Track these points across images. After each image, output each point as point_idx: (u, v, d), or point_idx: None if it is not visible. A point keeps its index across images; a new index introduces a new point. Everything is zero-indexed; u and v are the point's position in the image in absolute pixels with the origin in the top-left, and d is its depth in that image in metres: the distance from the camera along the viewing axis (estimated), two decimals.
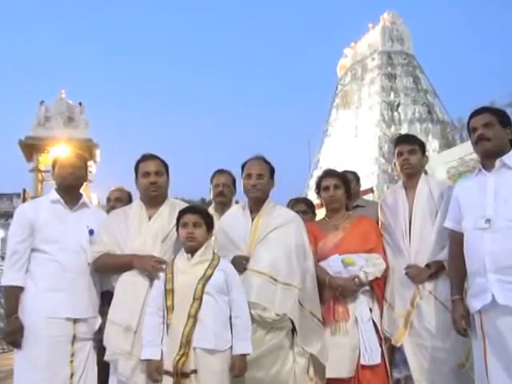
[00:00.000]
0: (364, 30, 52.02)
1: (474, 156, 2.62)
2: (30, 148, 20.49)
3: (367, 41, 50.68)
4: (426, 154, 3.10)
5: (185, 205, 2.81)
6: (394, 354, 2.92)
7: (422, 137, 3.33)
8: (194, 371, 2.32)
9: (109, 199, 3.69)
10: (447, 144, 37.09)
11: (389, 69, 47.52)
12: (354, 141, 45.28)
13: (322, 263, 2.98)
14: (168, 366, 2.33)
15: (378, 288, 2.96)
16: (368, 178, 35.87)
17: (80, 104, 22.55)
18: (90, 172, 18.77)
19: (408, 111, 44.25)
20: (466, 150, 17.49)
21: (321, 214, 3.43)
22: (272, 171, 2.98)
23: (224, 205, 3.54)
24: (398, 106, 45.37)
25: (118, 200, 3.73)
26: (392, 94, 46.07)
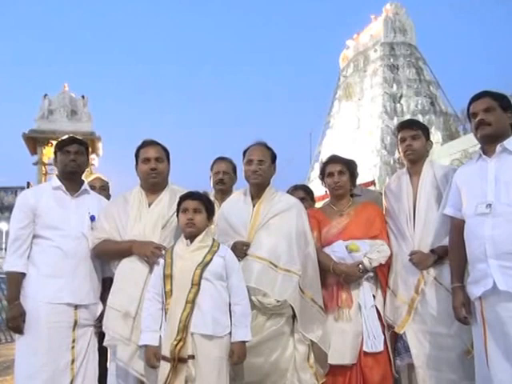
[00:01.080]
0: (367, 22, 51.73)
1: (478, 148, 2.60)
2: (34, 141, 20.54)
3: (370, 32, 50.35)
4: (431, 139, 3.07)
5: (185, 191, 2.79)
6: (396, 341, 2.90)
7: None
8: (192, 356, 2.30)
9: (93, 187, 3.68)
10: (450, 136, 36.96)
11: (391, 60, 47.23)
12: (356, 133, 45.14)
13: (326, 249, 2.96)
14: (166, 351, 2.32)
15: (381, 275, 2.94)
16: (370, 171, 35.83)
17: (83, 97, 22.58)
18: (93, 165, 18.79)
19: (411, 103, 44.01)
20: (469, 142, 17.43)
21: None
22: (273, 157, 2.96)
23: (224, 192, 3.52)
24: (401, 97, 45.12)
25: (103, 188, 3.77)
26: (394, 86, 45.81)
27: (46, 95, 22.01)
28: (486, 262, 2.25)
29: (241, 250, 2.70)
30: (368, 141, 42.90)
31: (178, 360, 2.29)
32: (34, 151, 20.85)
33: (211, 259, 2.44)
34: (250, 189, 2.95)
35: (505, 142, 2.37)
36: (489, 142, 2.44)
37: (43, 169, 20.54)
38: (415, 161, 2.98)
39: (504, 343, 2.18)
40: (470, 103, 2.51)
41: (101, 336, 2.72)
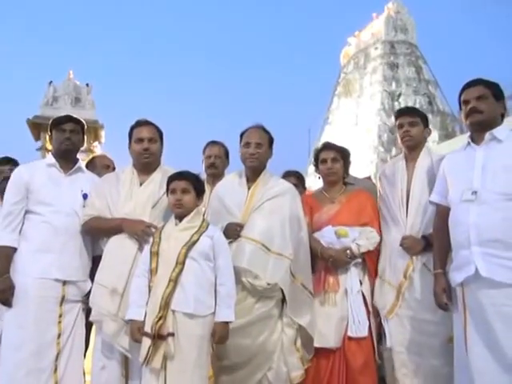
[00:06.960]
0: (368, 19, 51.63)
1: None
2: (38, 127, 20.49)
3: (371, 30, 50.27)
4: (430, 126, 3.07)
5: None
6: (381, 329, 2.91)
7: None
8: (172, 334, 2.30)
9: (107, 166, 3.62)
10: (447, 135, 37.06)
11: (391, 58, 47.19)
12: (354, 129, 45.17)
13: (316, 234, 2.98)
14: (147, 327, 2.31)
15: (370, 261, 2.95)
16: (367, 167, 35.86)
17: (87, 85, 22.54)
18: (95, 152, 18.74)
19: (409, 101, 43.87)
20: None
21: None
22: (271, 141, 2.95)
23: (215, 176, 3.50)
24: (399, 95, 45.14)
25: (114, 169, 3.73)
26: (394, 84, 45.83)
27: (51, 82, 22.00)
28: (469, 248, 2.24)
29: (234, 231, 2.71)
30: (365, 137, 42.97)
31: (158, 337, 2.28)
32: (37, 137, 20.84)
33: (198, 239, 2.43)
34: (245, 171, 2.95)
35: (493, 131, 2.36)
36: (478, 130, 2.42)
37: (46, 155, 20.42)
38: (413, 147, 2.97)
39: (484, 330, 2.17)
40: (463, 90, 2.48)
41: (89, 312, 2.71)
